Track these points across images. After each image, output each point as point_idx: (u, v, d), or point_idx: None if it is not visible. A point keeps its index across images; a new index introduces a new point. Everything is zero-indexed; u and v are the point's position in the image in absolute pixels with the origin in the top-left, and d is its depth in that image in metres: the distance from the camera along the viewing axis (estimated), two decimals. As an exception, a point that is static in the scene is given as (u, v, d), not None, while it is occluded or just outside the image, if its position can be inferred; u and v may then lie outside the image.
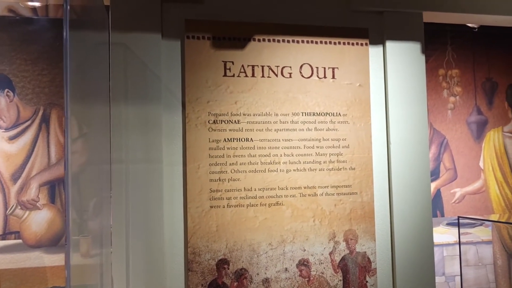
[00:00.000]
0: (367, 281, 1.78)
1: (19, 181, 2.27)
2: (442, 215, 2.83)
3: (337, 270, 1.76)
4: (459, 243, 2.47)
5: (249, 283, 1.67)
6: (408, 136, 1.86)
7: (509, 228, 2.79)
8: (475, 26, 2.87)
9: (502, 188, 2.93)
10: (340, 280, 1.76)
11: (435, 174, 2.82)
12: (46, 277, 2.24)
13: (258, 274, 1.68)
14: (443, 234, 2.81)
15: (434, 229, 2.51)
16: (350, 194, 1.79)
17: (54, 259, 2.27)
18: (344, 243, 1.77)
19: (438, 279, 2.77)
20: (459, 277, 2.71)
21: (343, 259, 1.77)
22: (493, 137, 2.93)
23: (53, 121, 2.30)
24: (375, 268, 1.79)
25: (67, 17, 0.99)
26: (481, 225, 2.91)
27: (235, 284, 1.66)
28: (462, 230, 2.70)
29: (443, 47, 2.86)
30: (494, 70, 2.97)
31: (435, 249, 2.66)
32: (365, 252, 1.79)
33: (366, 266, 1.79)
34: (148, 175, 1.62)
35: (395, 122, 1.85)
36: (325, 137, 1.78)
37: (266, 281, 1.69)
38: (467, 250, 2.85)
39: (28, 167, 2.29)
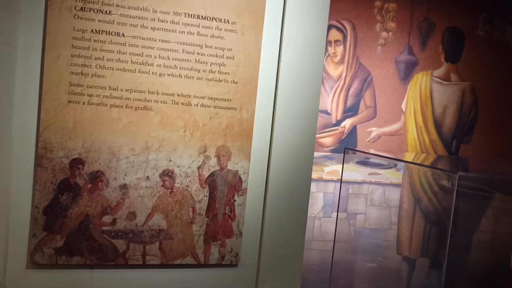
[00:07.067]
0: (235, 200, 1.72)
1: None
2: (354, 153, 2.79)
3: (204, 186, 1.69)
4: (341, 175, 2.43)
5: (104, 187, 1.59)
6: (302, 56, 1.74)
7: (421, 174, 2.78)
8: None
9: (421, 133, 2.89)
10: (206, 195, 1.69)
11: (353, 110, 2.74)
12: None
13: (116, 178, 1.60)
14: (352, 172, 2.78)
15: (344, 165, 2.48)
16: (229, 109, 1.68)
17: None
18: (216, 158, 1.69)
19: (340, 215, 2.78)
20: (361, 215, 2.72)
21: (212, 175, 1.69)
22: (420, 80, 2.84)
23: None
24: (246, 188, 1.73)
25: None
26: (394, 167, 2.89)
27: (89, 186, 1.57)
28: (371, 170, 2.68)
29: (383, -23, 2.68)
30: (434, 11, 2.82)
31: (342, 185, 2.64)
32: (237, 170, 1.72)
33: (236, 185, 1.72)
34: (-2, 58, 1.47)
35: (290, 39, 1.72)
36: (208, 44, 1.64)
37: (123, 186, 1.61)
38: (373, 190, 2.84)
39: None
